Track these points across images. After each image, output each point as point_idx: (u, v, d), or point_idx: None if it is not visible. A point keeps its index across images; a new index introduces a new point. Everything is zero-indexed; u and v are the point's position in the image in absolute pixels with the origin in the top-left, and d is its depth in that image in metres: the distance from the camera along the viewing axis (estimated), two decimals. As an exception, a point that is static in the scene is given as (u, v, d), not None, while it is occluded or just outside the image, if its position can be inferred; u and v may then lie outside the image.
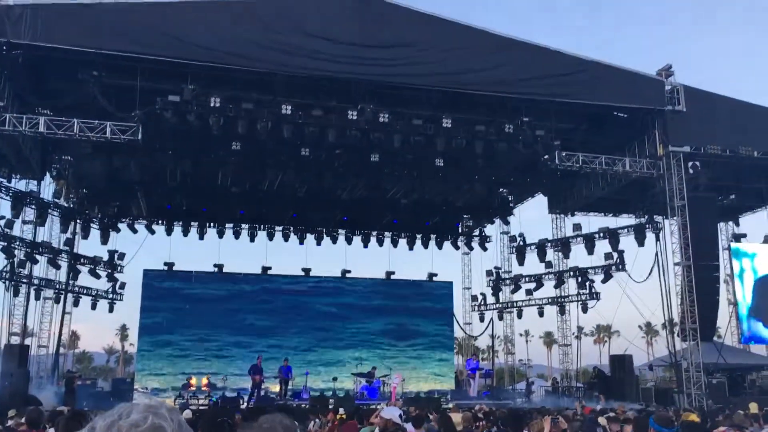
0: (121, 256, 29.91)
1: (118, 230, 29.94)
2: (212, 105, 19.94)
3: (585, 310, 30.95)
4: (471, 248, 34.56)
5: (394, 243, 32.78)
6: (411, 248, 32.97)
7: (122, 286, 30.29)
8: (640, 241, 27.79)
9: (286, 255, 32.52)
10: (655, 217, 27.44)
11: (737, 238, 29.69)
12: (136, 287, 29.48)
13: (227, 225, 30.92)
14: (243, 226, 31.07)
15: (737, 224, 30.66)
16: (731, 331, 29.47)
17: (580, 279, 30.52)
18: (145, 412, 1.46)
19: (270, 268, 30.80)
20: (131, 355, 65.91)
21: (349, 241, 32.15)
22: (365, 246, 32.46)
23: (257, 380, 24.12)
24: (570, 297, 31.50)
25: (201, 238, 30.57)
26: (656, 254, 26.06)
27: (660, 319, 27.41)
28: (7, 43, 18.39)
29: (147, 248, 30.39)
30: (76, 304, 29.54)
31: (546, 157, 23.70)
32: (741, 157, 23.61)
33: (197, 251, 32.96)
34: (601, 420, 10.19)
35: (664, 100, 22.92)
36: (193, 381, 25.84)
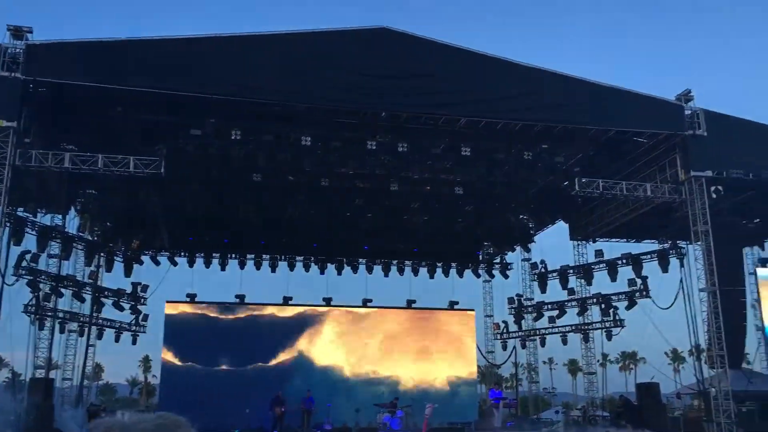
0: (144, 288, 30.07)
1: (141, 263, 30.22)
2: (233, 138, 20.21)
3: (609, 337, 30.47)
4: (492, 276, 34.34)
5: (415, 271, 32.75)
6: (432, 276, 32.90)
7: (145, 318, 30.41)
8: (664, 267, 27.39)
9: (306, 285, 32.59)
10: (678, 242, 27.09)
11: (763, 262, 29.15)
12: (159, 319, 29.78)
13: (248, 256, 31.21)
14: (264, 256, 31.33)
15: (762, 248, 30.10)
16: (760, 357, 28.86)
17: (603, 306, 30.10)
18: None
19: (291, 298, 30.97)
20: (154, 386, 66.01)
21: (369, 270, 32.21)
22: (386, 275, 32.46)
23: (279, 412, 23.96)
24: (594, 324, 31.07)
25: (223, 269, 30.96)
26: (681, 280, 25.64)
27: (687, 345, 26.93)
28: (33, 81, 18.77)
29: (169, 280, 30.60)
30: (99, 336, 29.66)
31: (566, 183, 23.61)
32: (765, 181, 23.30)
33: (219, 282, 33.10)
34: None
35: (684, 124, 22.78)
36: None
